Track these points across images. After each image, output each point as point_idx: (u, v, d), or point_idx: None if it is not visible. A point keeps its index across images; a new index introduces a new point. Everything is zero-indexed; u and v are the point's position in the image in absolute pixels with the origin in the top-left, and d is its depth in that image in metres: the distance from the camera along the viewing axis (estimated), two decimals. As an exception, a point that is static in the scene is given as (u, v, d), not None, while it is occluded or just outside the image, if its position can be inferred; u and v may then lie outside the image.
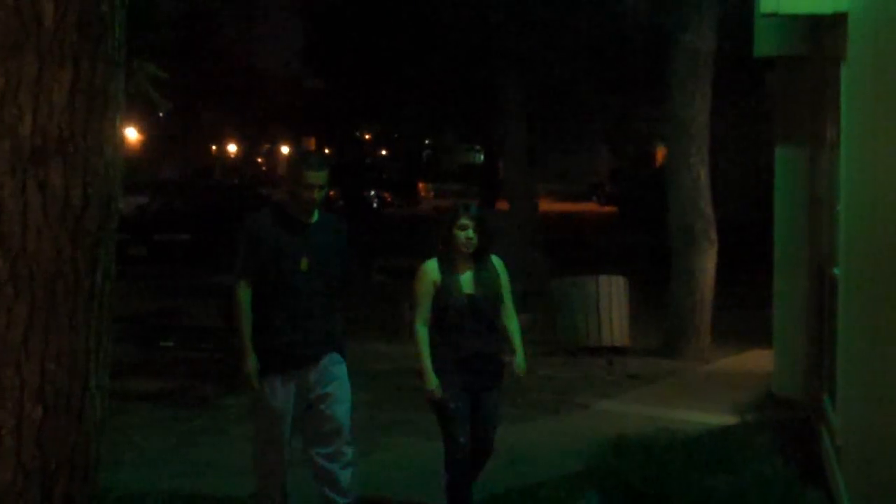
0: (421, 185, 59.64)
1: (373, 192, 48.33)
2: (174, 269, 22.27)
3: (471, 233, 6.46)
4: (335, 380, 6.41)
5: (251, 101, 55.61)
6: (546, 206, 37.87)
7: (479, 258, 6.57)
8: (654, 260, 18.39)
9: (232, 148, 71.53)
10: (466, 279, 6.52)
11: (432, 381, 6.44)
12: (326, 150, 65.30)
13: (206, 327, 14.76)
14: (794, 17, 8.40)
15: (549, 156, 47.80)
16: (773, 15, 7.90)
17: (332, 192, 45.95)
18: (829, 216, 8.41)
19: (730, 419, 9.66)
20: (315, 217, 6.40)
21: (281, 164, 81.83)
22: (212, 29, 42.36)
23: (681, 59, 13.34)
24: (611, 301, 13.23)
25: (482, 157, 40.17)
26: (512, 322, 6.72)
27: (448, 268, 6.52)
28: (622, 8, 17.97)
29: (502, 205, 28.15)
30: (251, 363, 6.24)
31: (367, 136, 71.00)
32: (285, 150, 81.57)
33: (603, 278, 13.38)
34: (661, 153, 44.29)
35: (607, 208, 47.92)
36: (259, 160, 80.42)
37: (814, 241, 9.73)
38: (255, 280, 6.29)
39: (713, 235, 13.38)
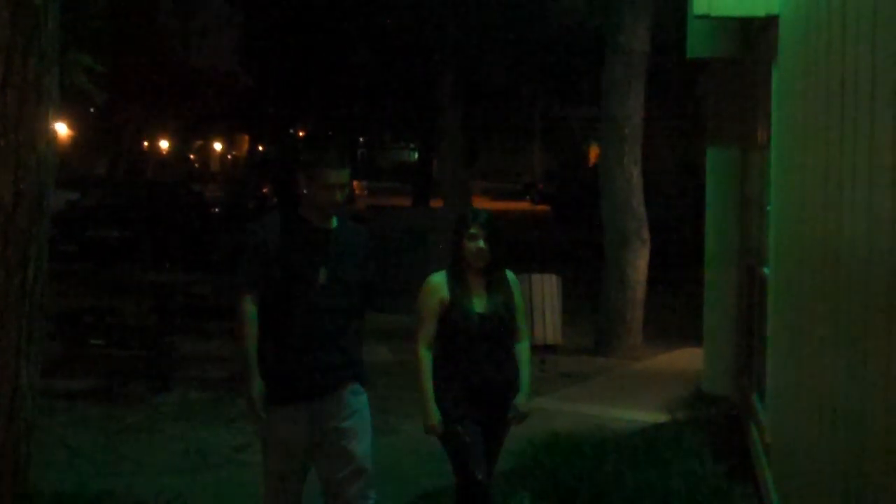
0: (356, 183, 59.46)
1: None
2: (105, 266, 22.03)
3: (482, 243, 5.67)
4: (355, 412, 5.54)
5: (185, 97, 55.13)
6: (480, 204, 37.93)
7: (491, 273, 5.77)
8: (586, 259, 18.51)
9: (164, 144, 70.85)
10: (478, 297, 5.73)
11: (434, 416, 5.63)
12: (260, 148, 65.01)
13: (136, 325, 14.63)
14: (727, 20, 8.49)
15: (483, 155, 47.92)
16: (706, 17, 7.98)
17: (265, 190, 45.91)
18: (759, 216, 8.52)
19: (660, 416, 9.75)
20: (334, 223, 5.57)
21: (214, 161, 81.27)
22: (147, 23, 41.88)
23: (616, 60, 13.44)
24: (544, 299, 13.30)
25: (417, 155, 40.19)
26: (522, 348, 5.92)
27: (458, 283, 5.72)
28: (558, 9, 18.06)
29: (436, 203, 28.18)
30: (256, 389, 5.38)
31: (301, 134, 70.60)
32: (218, 146, 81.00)
33: (536, 277, 13.44)
34: (594, 153, 44.56)
35: (541, 207, 48.10)
36: (192, 157, 79.70)
37: (744, 240, 9.85)
38: (266, 296, 5.41)
39: (645, 234, 13.50)
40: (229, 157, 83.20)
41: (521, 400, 5.81)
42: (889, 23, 3.48)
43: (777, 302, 6.90)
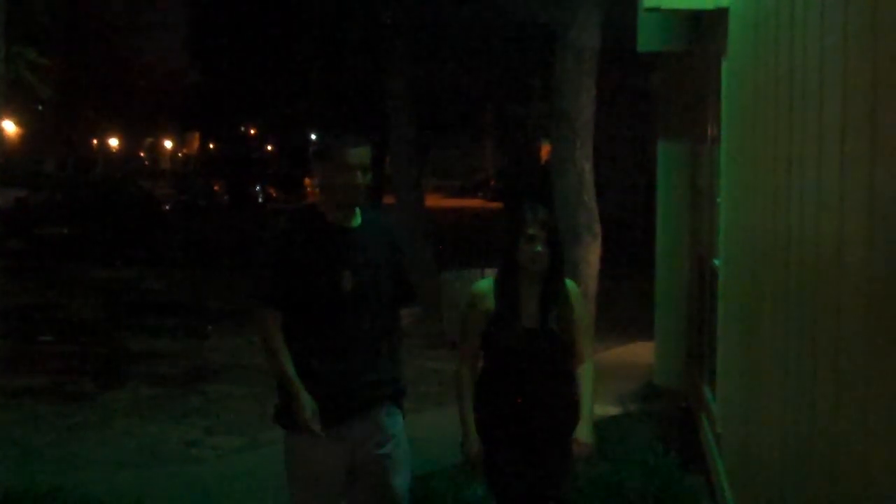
0: (307, 180, 59.33)
1: (258, 188, 48.01)
2: (54, 263, 21.88)
3: (540, 246, 4.81)
4: (392, 438, 4.90)
5: (134, 94, 54.78)
6: (433, 201, 37.99)
7: (548, 280, 4.90)
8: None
9: (114, 142, 70.35)
10: (530, 309, 4.89)
11: (472, 443, 4.90)
12: (211, 145, 64.64)
13: (85, 321, 14.54)
14: (677, 13, 8.54)
15: (436, 152, 47.98)
16: (656, 10, 8.01)
17: (216, 187, 45.69)
18: (709, 208, 8.57)
19: (613, 409, 9.80)
20: (358, 219, 4.90)
21: (164, 159, 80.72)
22: (94, 19, 41.56)
23: (566, 55, 13.44)
24: (497, 294, 13.33)
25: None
26: (583, 371, 5.03)
27: (507, 292, 4.89)
28: (509, 5, 18.06)
29: (388, 199, 28.17)
30: (306, 404, 4.66)
31: (252, 131, 70.34)
32: (168, 144, 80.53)
33: (489, 272, 13.42)
34: (546, 149, 44.67)
35: (494, 204, 48.17)
36: (141, 154, 79.22)
37: (695, 233, 9.91)
38: (288, 308, 4.78)
39: (597, 229, 13.51)
40: (180, 154, 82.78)
41: (582, 432, 4.98)
42: (836, 11, 3.52)
43: (727, 292, 6.94)
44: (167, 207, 34.61)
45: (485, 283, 5.01)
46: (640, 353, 12.54)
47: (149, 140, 79.47)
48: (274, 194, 49.99)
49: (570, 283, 5.02)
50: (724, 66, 7.21)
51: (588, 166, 13.61)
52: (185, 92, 51.19)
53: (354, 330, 4.78)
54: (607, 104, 20.02)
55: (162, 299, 16.98)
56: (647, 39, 10.13)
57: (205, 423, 9.38)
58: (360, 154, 4.79)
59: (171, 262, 21.80)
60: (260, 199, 47.06)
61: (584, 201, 13.52)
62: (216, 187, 45.46)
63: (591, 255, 13.54)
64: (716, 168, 7.82)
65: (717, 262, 7.70)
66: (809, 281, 3.94)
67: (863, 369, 3.08)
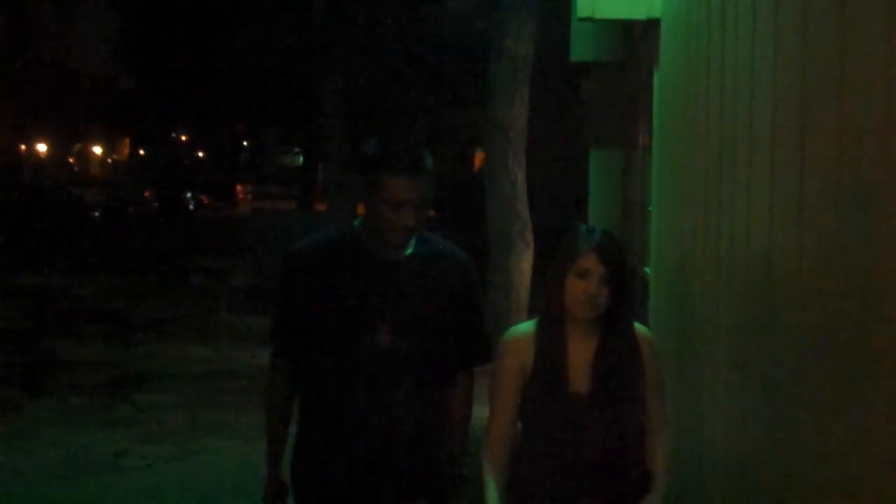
0: (239, 187, 59.10)
1: (189, 194, 47.66)
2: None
3: (595, 286, 3.40)
4: None
5: (63, 99, 54.16)
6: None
7: (610, 324, 3.50)
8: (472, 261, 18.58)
9: (42, 147, 69.49)
10: (581, 368, 3.48)
11: None
12: (141, 152, 64.05)
13: (11, 328, 14.32)
14: (610, 23, 8.59)
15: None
16: (589, 20, 8.05)
17: (146, 193, 45.31)
18: (641, 217, 8.63)
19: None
20: (410, 249, 3.70)
21: (94, 165, 79.86)
22: (24, 24, 41.07)
23: (500, 64, 13.51)
24: (429, 302, 13.32)
25: (301, 159, 39.99)
26: (657, 441, 3.65)
27: (552, 340, 3.50)
28: (443, 14, 18.11)
29: (320, 207, 28.10)
30: (272, 487, 3.77)
31: (183, 138, 69.85)
32: (98, 150, 79.69)
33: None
34: (479, 157, 44.81)
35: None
36: (71, 160, 78.34)
37: (627, 241, 9.97)
38: (306, 361, 3.70)
39: (529, 237, 13.58)
40: (110, 160, 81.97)
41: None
42: (767, 23, 3.55)
43: (658, 300, 6.99)
44: (96, 214, 34.27)
45: (523, 327, 3.66)
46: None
47: (78, 146, 78.63)
48: (205, 201, 49.66)
49: (641, 329, 3.64)
50: (656, 75, 7.26)
51: (521, 174, 13.67)
52: (116, 97, 50.73)
53: (390, 397, 3.61)
54: (541, 113, 20.13)
55: (90, 306, 16.78)
56: (580, 49, 10.19)
57: (134, 433, 9.27)
58: (410, 186, 3.53)
59: (100, 269, 21.57)
60: (191, 206, 46.73)
61: (517, 209, 13.58)
62: (146, 194, 45.05)
63: (524, 263, 13.59)
64: (647, 177, 7.87)
65: (648, 270, 7.75)
66: (740, 289, 3.98)
67: (792, 378, 3.11)
